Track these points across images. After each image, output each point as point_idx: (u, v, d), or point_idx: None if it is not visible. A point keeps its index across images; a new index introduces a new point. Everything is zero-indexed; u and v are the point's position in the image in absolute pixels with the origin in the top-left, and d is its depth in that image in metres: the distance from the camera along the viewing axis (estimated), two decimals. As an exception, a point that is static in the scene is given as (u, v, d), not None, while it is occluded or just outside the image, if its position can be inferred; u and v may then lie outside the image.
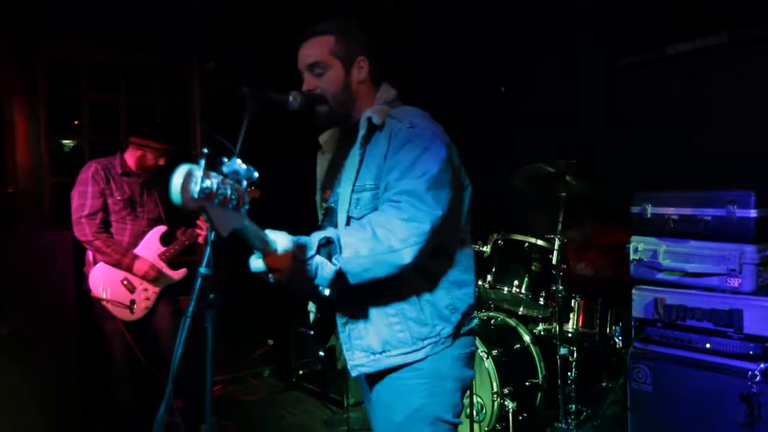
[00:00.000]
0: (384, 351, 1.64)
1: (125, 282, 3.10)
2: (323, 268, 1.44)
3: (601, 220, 3.71)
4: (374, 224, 1.49)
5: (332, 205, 1.67)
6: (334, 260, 1.45)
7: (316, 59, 1.66)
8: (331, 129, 1.85)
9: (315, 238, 1.46)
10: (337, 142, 1.84)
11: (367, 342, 1.65)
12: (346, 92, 1.68)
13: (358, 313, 1.63)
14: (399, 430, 1.67)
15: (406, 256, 1.48)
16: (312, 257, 1.44)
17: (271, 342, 4.63)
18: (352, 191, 1.61)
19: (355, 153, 1.62)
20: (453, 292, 1.69)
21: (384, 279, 1.51)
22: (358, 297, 1.60)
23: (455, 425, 1.72)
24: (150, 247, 3.19)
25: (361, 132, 1.61)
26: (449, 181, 1.57)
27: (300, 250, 1.42)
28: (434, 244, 1.55)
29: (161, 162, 3.19)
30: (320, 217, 1.84)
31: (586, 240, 3.83)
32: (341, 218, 1.61)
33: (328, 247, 1.47)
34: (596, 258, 3.68)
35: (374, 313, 1.63)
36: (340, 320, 1.68)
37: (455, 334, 1.69)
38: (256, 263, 1.41)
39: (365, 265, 1.47)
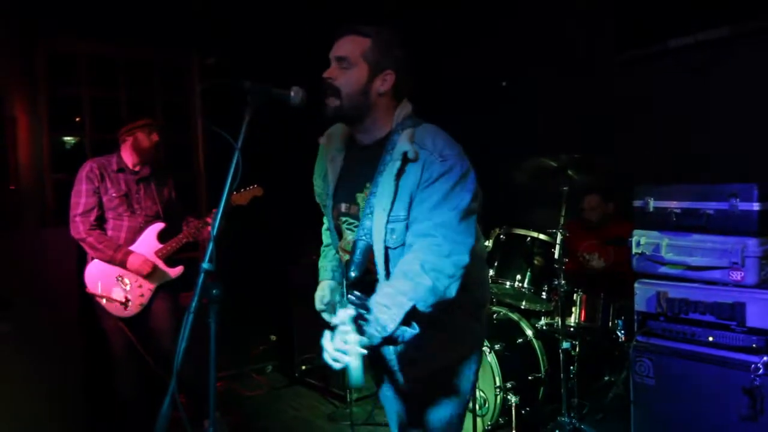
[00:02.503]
0: (434, 358, 1.79)
1: (119, 278, 3.11)
2: (404, 334, 1.58)
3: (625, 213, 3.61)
4: (428, 268, 1.57)
5: (364, 239, 1.69)
6: (413, 327, 1.59)
7: (347, 55, 1.67)
8: (334, 127, 1.84)
9: (395, 317, 1.54)
10: (344, 148, 1.82)
11: (422, 354, 1.77)
12: (362, 96, 1.68)
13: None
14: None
15: (453, 290, 1.61)
16: (394, 331, 1.55)
17: (274, 338, 4.64)
18: (387, 222, 1.65)
19: (388, 182, 1.64)
20: (475, 293, 1.81)
21: None
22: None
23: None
24: (147, 244, 3.18)
25: (397, 164, 1.63)
26: (476, 208, 1.68)
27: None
28: None
29: (155, 137, 3.18)
30: (330, 224, 1.87)
31: (604, 216, 3.81)
32: (378, 249, 1.67)
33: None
34: (611, 250, 3.65)
35: (424, 328, 1.70)
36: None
37: (480, 325, 1.89)
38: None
39: (431, 309, 1.60)
